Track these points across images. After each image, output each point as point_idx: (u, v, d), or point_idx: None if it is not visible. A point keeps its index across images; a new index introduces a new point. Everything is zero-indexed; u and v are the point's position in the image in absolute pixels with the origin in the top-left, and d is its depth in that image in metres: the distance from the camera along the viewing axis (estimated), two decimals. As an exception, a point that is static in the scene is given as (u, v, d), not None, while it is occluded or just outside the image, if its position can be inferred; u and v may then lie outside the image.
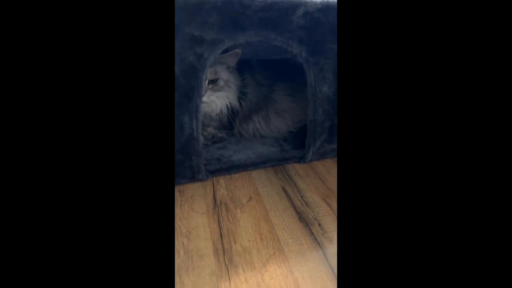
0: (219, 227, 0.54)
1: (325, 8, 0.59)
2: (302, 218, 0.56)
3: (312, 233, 0.53)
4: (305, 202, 0.61)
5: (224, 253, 0.48)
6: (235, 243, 0.50)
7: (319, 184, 0.67)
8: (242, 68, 0.80)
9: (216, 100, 0.75)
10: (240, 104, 0.80)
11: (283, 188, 0.66)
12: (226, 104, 0.77)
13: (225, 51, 0.64)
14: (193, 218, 0.56)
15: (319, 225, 0.55)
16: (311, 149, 0.74)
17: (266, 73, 0.84)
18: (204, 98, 0.71)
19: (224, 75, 0.73)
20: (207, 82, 0.71)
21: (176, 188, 0.65)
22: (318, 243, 0.50)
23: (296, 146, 0.78)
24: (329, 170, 0.73)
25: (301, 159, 0.76)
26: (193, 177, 0.66)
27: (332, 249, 0.49)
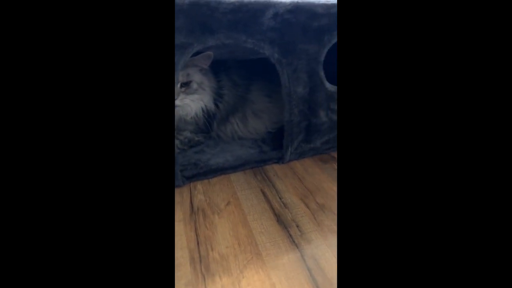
0: (196, 235, 0.53)
1: (295, 8, 0.58)
2: (280, 220, 0.56)
3: (290, 235, 0.53)
4: (283, 203, 0.61)
5: (200, 261, 0.47)
6: (212, 251, 0.49)
7: (297, 184, 0.67)
8: (218, 69, 0.78)
9: (190, 103, 0.73)
10: (217, 106, 0.78)
11: (261, 190, 0.65)
12: (201, 107, 0.75)
13: (197, 54, 0.62)
14: (169, 227, 0.55)
15: (297, 226, 0.55)
16: (289, 149, 0.74)
17: (242, 74, 0.83)
18: (177, 102, 0.69)
19: (197, 77, 0.72)
20: (179, 85, 0.70)
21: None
22: (296, 245, 0.50)
23: (275, 147, 0.78)
24: (307, 169, 0.73)
25: (279, 160, 0.76)
26: (170, 184, 0.65)
27: (309, 250, 0.49)
